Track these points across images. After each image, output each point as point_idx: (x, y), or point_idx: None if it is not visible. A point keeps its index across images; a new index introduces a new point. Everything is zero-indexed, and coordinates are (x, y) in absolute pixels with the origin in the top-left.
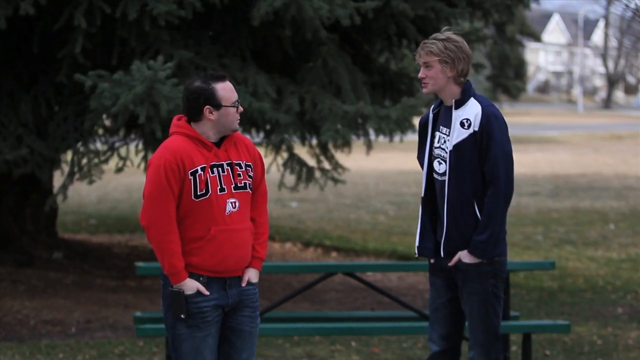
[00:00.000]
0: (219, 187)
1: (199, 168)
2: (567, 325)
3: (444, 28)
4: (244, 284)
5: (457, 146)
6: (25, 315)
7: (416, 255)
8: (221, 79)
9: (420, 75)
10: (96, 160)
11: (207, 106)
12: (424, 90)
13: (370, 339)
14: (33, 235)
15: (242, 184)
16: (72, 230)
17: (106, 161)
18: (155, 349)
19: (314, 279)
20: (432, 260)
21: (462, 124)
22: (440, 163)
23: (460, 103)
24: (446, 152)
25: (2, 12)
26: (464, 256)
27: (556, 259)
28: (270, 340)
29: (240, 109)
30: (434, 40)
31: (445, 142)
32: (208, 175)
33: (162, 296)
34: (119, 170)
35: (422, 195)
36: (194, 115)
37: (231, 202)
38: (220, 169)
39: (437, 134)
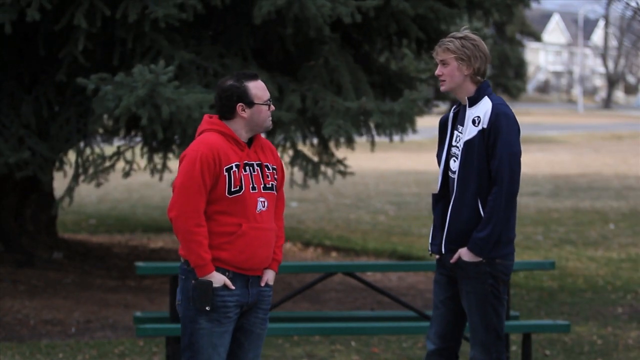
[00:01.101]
0: (251, 186)
1: (233, 165)
2: (567, 325)
3: (463, 27)
4: (263, 284)
5: (467, 143)
6: (25, 315)
7: (430, 253)
8: (253, 77)
9: (436, 72)
10: (103, 164)
11: (240, 104)
12: (442, 89)
13: (370, 339)
14: (33, 235)
15: (270, 185)
16: (72, 230)
17: (113, 166)
18: (155, 349)
19: (314, 279)
20: (437, 257)
21: (473, 122)
22: (454, 161)
23: (474, 101)
24: (459, 150)
25: (8, 17)
26: (463, 254)
27: (556, 259)
28: (270, 340)
29: (272, 107)
30: (451, 38)
31: (459, 140)
32: (242, 173)
33: (181, 291)
34: (126, 174)
35: (436, 192)
36: (227, 113)
37: (261, 201)
38: (251, 168)
39: (455, 132)
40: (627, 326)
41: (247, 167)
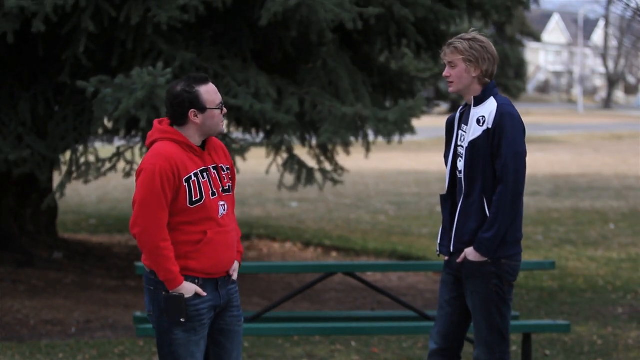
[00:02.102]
0: (211, 192)
1: (192, 174)
2: (567, 325)
3: (471, 29)
4: (235, 277)
5: (472, 143)
6: (25, 315)
7: (438, 254)
8: (204, 81)
9: (445, 74)
10: (103, 166)
11: (192, 110)
12: (450, 90)
13: (370, 339)
14: (33, 235)
15: (227, 187)
16: (72, 230)
17: (114, 168)
18: (155, 349)
19: (314, 279)
20: (446, 258)
21: (478, 121)
22: (460, 160)
23: (479, 101)
24: (464, 149)
25: (11, 27)
26: (469, 253)
27: (556, 259)
28: (270, 340)
29: (224, 110)
30: (460, 40)
31: (464, 139)
32: (200, 180)
33: (151, 302)
34: (127, 175)
35: (444, 192)
36: (179, 119)
37: (222, 205)
38: (207, 173)
39: (460, 132)
40: (627, 326)
41: (204, 173)
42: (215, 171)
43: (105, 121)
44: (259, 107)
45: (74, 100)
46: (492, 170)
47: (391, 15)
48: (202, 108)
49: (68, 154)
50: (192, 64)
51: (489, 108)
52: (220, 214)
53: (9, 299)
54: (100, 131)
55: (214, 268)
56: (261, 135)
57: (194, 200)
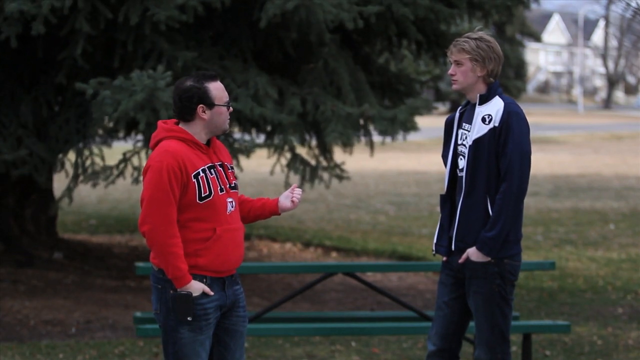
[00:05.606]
0: (219, 188)
1: (200, 170)
2: (567, 326)
3: (477, 27)
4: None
5: (476, 141)
6: (25, 315)
7: (433, 254)
8: (213, 78)
9: (450, 72)
10: (112, 173)
11: (201, 105)
12: (453, 87)
13: (370, 339)
14: (33, 235)
15: (234, 184)
16: (72, 230)
17: (122, 174)
18: (155, 349)
19: (314, 279)
20: (444, 258)
21: (483, 120)
22: (461, 159)
23: (484, 99)
24: (466, 148)
25: (13, 30)
26: (472, 253)
27: (556, 259)
28: (270, 340)
29: (231, 109)
30: (467, 39)
31: (466, 137)
32: (208, 176)
33: (158, 300)
34: (135, 181)
35: (443, 192)
36: (187, 115)
37: (230, 202)
38: (215, 169)
39: (461, 131)
40: (627, 326)
41: (212, 170)
42: (221, 168)
43: (106, 121)
44: (259, 110)
45: (75, 102)
46: (496, 169)
47: (391, 14)
48: (210, 104)
49: (72, 158)
50: (192, 65)
51: (495, 107)
52: (228, 211)
53: (9, 299)
54: (101, 132)
55: (223, 266)
56: (262, 135)
57: (203, 195)
